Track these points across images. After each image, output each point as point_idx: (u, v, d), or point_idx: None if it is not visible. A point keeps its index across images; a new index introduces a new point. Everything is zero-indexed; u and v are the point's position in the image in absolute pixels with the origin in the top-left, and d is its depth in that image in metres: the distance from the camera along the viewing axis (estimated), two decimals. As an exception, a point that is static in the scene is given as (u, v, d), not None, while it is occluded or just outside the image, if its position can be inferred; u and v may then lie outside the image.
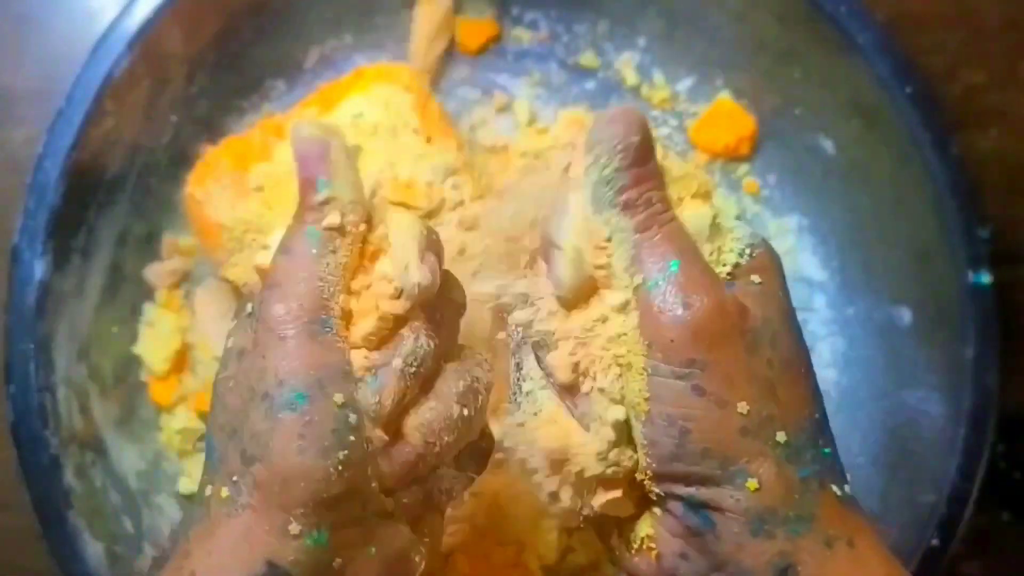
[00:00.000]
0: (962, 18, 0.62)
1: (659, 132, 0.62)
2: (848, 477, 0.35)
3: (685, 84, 0.63)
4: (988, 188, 0.57)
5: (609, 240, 0.34)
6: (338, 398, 0.33)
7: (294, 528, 0.32)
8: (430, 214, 0.51)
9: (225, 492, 0.33)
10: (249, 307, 0.36)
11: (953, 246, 0.54)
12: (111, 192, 0.57)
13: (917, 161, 0.54)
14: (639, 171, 0.34)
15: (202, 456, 0.59)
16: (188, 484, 0.59)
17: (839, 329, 0.60)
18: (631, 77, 0.63)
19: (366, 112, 0.52)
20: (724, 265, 0.35)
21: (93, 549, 0.52)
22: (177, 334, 0.59)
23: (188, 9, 0.56)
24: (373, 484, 0.34)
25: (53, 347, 0.54)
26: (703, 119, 0.62)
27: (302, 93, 0.60)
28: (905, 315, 0.57)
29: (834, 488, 0.34)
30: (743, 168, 0.62)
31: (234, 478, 0.33)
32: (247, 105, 0.61)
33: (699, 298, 0.32)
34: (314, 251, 0.34)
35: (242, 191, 0.52)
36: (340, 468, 0.32)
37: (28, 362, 0.52)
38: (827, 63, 0.57)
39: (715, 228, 0.35)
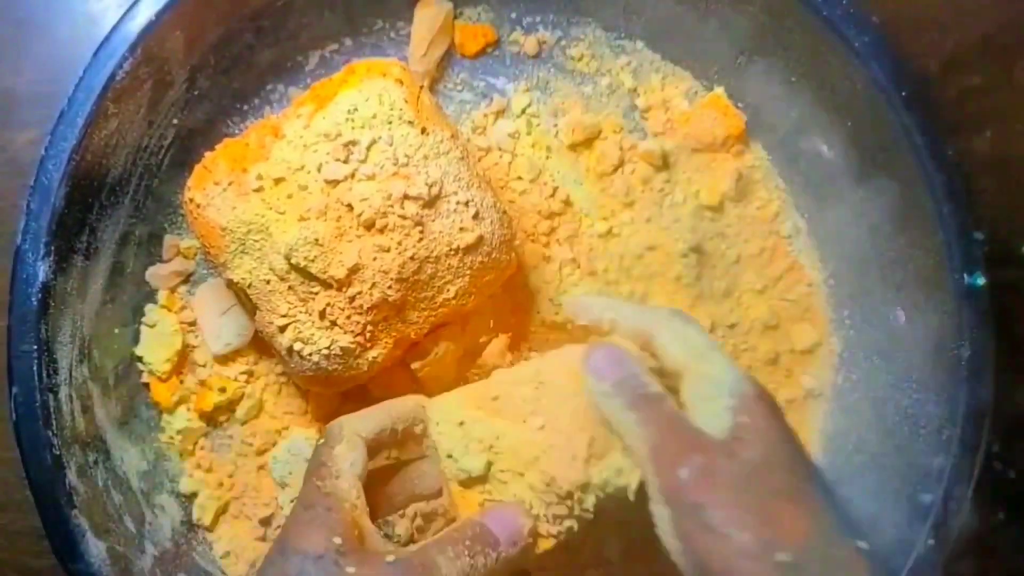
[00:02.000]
0: (957, 21, 0.62)
1: (651, 134, 0.62)
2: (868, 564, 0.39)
3: (682, 87, 0.63)
4: (983, 190, 0.57)
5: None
6: None
7: None
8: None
9: None
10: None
11: (948, 247, 0.54)
12: (113, 194, 0.57)
13: (912, 163, 0.54)
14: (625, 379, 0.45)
15: (203, 454, 0.60)
16: (189, 484, 0.59)
17: (834, 330, 0.61)
18: (628, 80, 0.63)
19: (360, 106, 0.52)
20: (717, 413, 0.43)
21: (95, 549, 0.52)
22: (178, 335, 0.59)
23: (189, 13, 0.56)
24: None
25: (55, 348, 0.54)
26: (693, 112, 0.62)
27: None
28: (900, 316, 0.57)
29: None
30: (739, 168, 0.62)
31: None
32: (248, 108, 0.62)
33: (695, 458, 0.41)
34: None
35: (241, 192, 0.52)
36: None
37: (31, 363, 0.52)
38: (823, 66, 0.57)
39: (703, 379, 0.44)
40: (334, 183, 0.51)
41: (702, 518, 0.39)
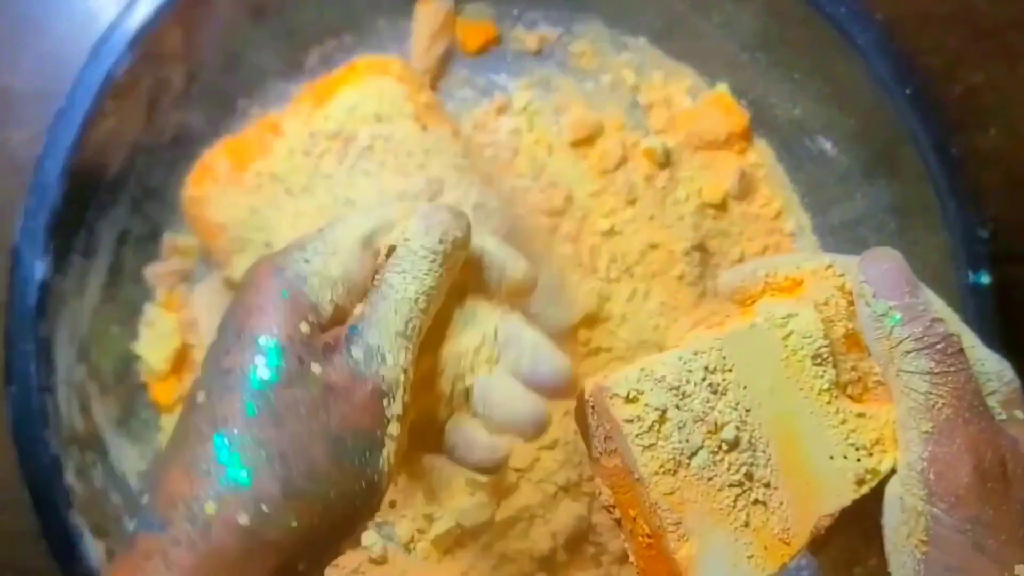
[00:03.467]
0: (962, 18, 0.62)
1: (654, 131, 0.62)
2: None
3: (684, 84, 0.63)
4: (987, 188, 0.57)
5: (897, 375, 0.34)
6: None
7: None
8: None
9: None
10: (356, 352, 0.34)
11: (952, 246, 0.53)
12: (111, 192, 0.57)
13: (916, 160, 0.54)
14: (915, 303, 0.34)
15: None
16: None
17: (839, 329, 0.60)
18: (630, 77, 0.63)
19: (360, 104, 0.52)
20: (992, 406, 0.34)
21: (94, 549, 0.52)
22: (177, 334, 0.59)
23: (188, 10, 0.56)
24: None
25: (53, 347, 0.54)
26: (696, 109, 0.62)
27: (303, 94, 0.60)
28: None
29: None
30: (742, 166, 0.62)
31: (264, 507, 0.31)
32: (248, 105, 0.61)
33: (988, 457, 0.32)
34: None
35: (241, 190, 0.52)
36: None
37: (28, 362, 0.52)
38: (826, 63, 0.57)
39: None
40: (335, 180, 0.51)
41: (975, 536, 0.32)
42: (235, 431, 0.32)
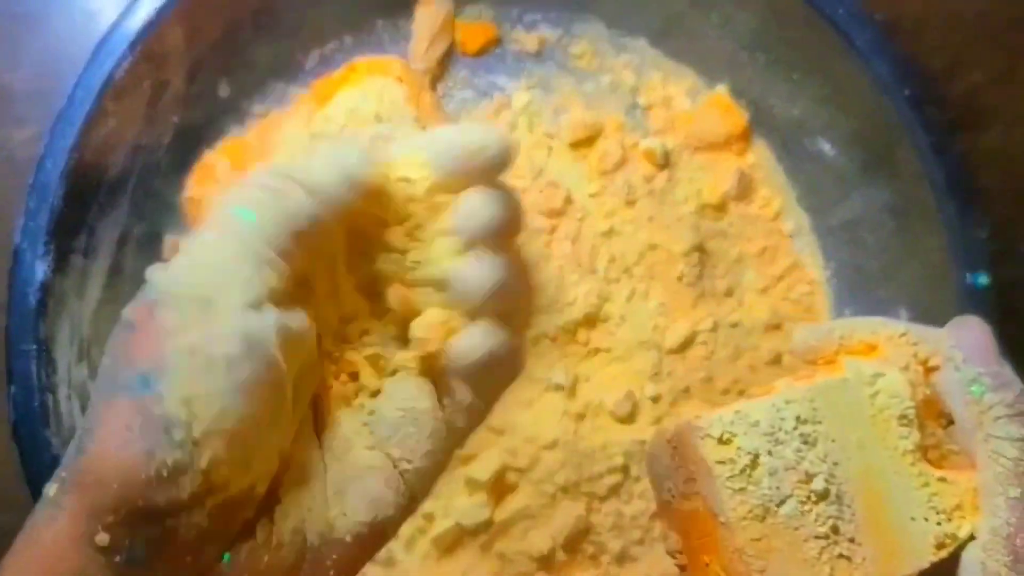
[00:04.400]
0: (961, 18, 0.62)
1: (653, 132, 0.62)
2: None
3: (683, 85, 0.63)
4: (987, 188, 0.57)
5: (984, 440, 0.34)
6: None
7: (102, 539, 0.26)
8: None
9: (52, 490, 0.27)
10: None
11: (952, 246, 0.53)
12: (112, 193, 0.57)
13: (916, 161, 0.54)
14: (1004, 371, 0.34)
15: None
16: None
17: (838, 329, 0.60)
18: (629, 78, 0.63)
19: (360, 105, 0.52)
20: None
21: (94, 549, 0.52)
22: (177, 334, 0.59)
23: (189, 10, 0.56)
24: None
25: (54, 348, 0.54)
26: (696, 110, 0.62)
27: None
28: (903, 315, 0.57)
29: None
30: (741, 166, 0.62)
31: (62, 473, 0.27)
32: (248, 106, 0.61)
33: None
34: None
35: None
36: (166, 474, 0.26)
37: (29, 363, 0.52)
38: (826, 64, 0.57)
39: None
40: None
41: None
42: None
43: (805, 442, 0.35)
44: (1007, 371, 0.34)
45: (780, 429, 0.35)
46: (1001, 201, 0.59)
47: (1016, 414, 0.33)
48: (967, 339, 0.35)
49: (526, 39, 0.63)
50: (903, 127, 0.54)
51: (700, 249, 0.59)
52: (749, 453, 0.34)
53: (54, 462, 0.52)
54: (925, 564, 0.34)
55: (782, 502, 0.34)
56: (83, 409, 0.55)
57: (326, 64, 0.62)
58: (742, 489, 0.34)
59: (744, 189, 0.61)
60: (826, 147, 0.59)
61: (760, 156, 0.62)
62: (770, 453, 0.34)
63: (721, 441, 0.34)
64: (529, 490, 0.55)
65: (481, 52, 0.63)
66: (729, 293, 0.60)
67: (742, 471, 0.34)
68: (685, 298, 0.59)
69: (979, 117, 0.61)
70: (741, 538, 0.34)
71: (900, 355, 0.37)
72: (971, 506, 0.35)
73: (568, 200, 0.60)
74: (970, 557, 0.34)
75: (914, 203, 0.55)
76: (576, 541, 0.56)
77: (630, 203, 0.60)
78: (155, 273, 0.29)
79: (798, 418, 0.35)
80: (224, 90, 0.60)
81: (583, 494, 0.56)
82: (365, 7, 0.61)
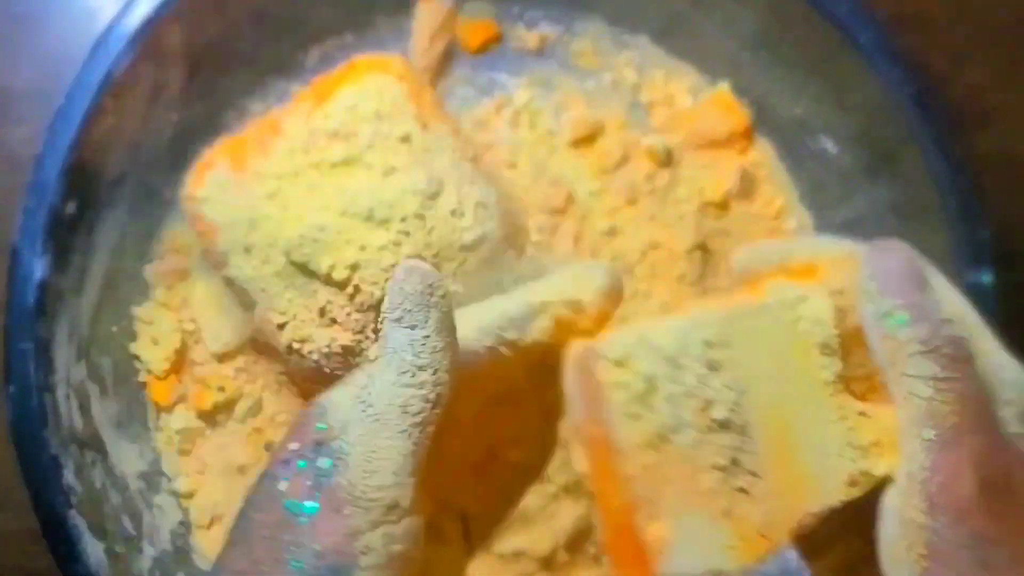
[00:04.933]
0: (963, 17, 0.62)
1: (655, 130, 0.62)
2: None
3: (685, 83, 0.63)
4: (989, 188, 0.57)
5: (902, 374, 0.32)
6: None
7: None
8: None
9: None
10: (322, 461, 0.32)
11: (955, 246, 0.53)
12: (111, 191, 0.57)
13: (919, 160, 0.54)
14: (924, 302, 0.32)
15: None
16: (188, 484, 0.59)
17: (840, 329, 0.60)
18: (631, 76, 0.63)
19: (360, 102, 0.52)
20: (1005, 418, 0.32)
21: (93, 549, 0.52)
22: (177, 334, 0.59)
23: (188, 8, 0.55)
24: None
25: (52, 347, 0.53)
26: (698, 108, 0.62)
27: (303, 92, 0.60)
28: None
29: None
30: (744, 165, 0.62)
31: None
32: (248, 104, 0.61)
33: (994, 470, 0.30)
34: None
35: (241, 189, 0.52)
36: None
37: (27, 362, 0.52)
38: (828, 62, 0.57)
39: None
40: (334, 179, 0.51)
41: (979, 552, 0.30)
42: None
43: (711, 368, 0.33)
44: (928, 302, 0.31)
45: (685, 353, 0.33)
46: (1003, 200, 0.59)
47: (930, 350, 0.31)
48: (883, 267, 0.32)
49: (527, 37, 0.63)
50: (907, 126, 0.54)
51: (702, 248, 0.59)
52: (647, 377, 0.32)
53: (52, 462, 0.52)
54: (835, 502, 0.32)
55: (679, 430, 0.32)
56: (81, 409, 0.55)
57: (326, 62, 0.62)
58: (637, 415, 0.32)
59: (746, 188, 0.61)
60: (829, 145, 0.59)
61: (762, 154, 0.62)
62: (670, 378, 0.32)
63: (618, 364, 0.32)
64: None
65: (482, 50, 0.63)
66: (731, 292, 0.60)
67: (638, 396, 0.32)
68: (687, 297, 0.59)
69: (982, 116, 0.61)
70: (633, 466, 0.32)
71: (840, 277, 0.34)
72: (890, 445, 0.32)
73: (569, 199, 0.60)
74: (888, 505, 0.32)
75: (917, 202, 0.55)
76: (578, 541, 0.56)
77: (632, 202, 0.60)
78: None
79: (707, 342, 0.33)
80: (224, 88, 0.60)
81: (584, 494, 0.56)
82: (366, 5, 0.61)
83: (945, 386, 0.31)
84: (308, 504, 0.31)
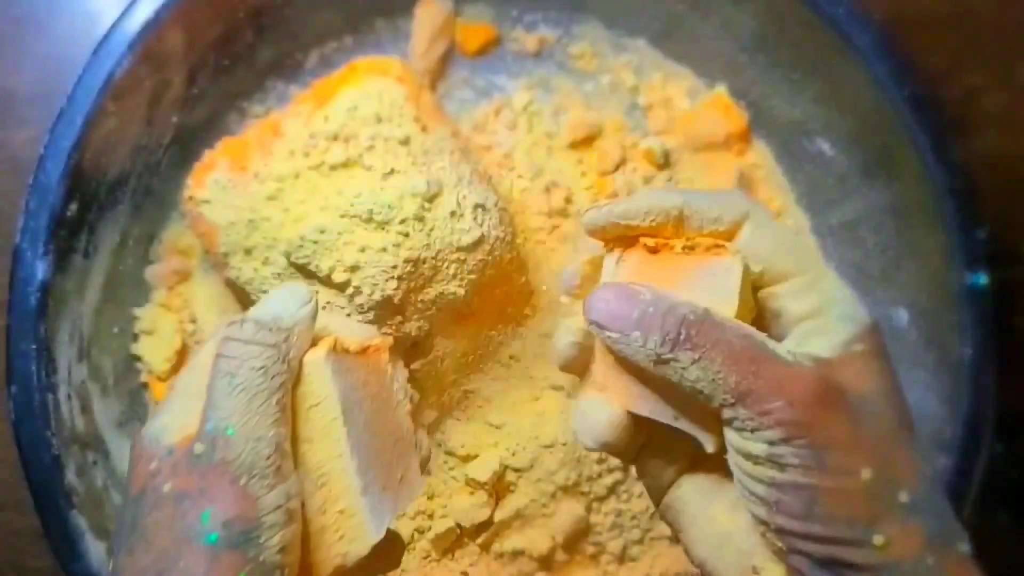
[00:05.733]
0: (961, 19, 0.62)
1: (653, 132, 0.62)
2: (967, 535, 0.35)
3: (683, 86, 0.63)
4: (986, 189, 0.57)
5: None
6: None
7: None
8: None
9: None
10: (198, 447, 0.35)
11: (951, 247, 0.53)
12: (112, 193, 0.57)
13: (915, 162, 0.54)
14: (644, 314, 0.35)
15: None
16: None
17: (837, 330, 0.60)
18: (629, 78, 0.63)
19: (360, 105, 0.52)
20: (826, 335, 0.35)
21: (94, 549, 0.52)
22: (177, 334, 0.59)
23: (189, 10, 0.56)
24: None
25: (54, 347, 0.54)
26: (695, 110, 0.62)
27: (303, 94, 0.60)
28: (903, 315, 0.57)
29: (958, 545, 0.34)
30: (741, 167, 0.62)
31: None
32: (248, 106, 0.62)
33: (802, 387, 0.33)
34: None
35: (241, 191, 0.52)
36: None
37: (30, 362, 0.52)
38: (825, 64, 0.57)
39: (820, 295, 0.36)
40: (334, 181, 0.51)
41: (813, 456, 0.33)
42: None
43: None
44: (646, 311, 0.34)
45: None
46: (1000, 202, 0.59)
47: (674, 347, 0.34)
48: (601, 310, 0.35)
49: (526, 39, 0.63)
50: (903, 128, 0.54)
51: (700, 249, 0.59)
52: None
53: (54, 462, 0.52)
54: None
55: None
56: (83, 409, 0.55)
57: (326, 64, 0.62)
58: None
59: (744, 189, 0.61)
60: (826, 147, 0.59)
61: (760, 156, 0.62)
62: None
63: None
64: (529, 490, 0.55)
65: (481, 52, 0.63)
66: (729, 293, 0.60)
67: None
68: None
69: (978, 118, 0.61)
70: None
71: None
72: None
73: (568, 200, 0.60)
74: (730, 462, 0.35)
75: (914, 203, 0.55)
76: (576, 541, 0.56)
77: (630, 203, 0.60)
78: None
79: None
80: (224, 89, 0.60)
81: (583, 494, 0.56)
82: (365, 8, 0.62)
83: (704, 365, 0.34)
84: (199, 488, 0.33)
